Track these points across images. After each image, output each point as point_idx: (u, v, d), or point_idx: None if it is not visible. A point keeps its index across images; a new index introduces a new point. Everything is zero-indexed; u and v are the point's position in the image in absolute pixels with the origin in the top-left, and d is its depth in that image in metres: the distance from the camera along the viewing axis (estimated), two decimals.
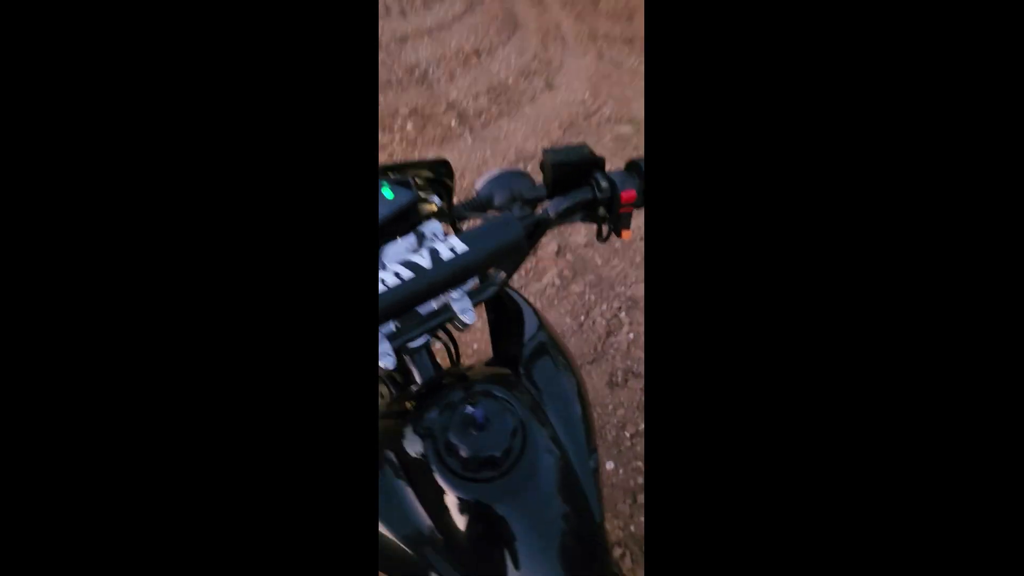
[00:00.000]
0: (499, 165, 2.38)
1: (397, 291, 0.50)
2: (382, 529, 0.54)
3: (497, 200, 0.68)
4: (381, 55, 2.90)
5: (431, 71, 2.98)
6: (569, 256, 2.14)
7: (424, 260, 0.51)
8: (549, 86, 3.04)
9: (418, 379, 0.66)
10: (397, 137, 2.48)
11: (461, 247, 0.52)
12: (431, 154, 2.71)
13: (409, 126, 2.51)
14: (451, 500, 0.52)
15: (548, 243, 2.17)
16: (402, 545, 0.53)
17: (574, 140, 2.63)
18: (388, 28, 3.12)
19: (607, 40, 3.68)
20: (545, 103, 2.89)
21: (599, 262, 2.11)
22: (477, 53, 3.22)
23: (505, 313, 0.70)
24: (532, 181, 0.69)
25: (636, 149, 2.71)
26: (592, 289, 2.04)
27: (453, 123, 2.61)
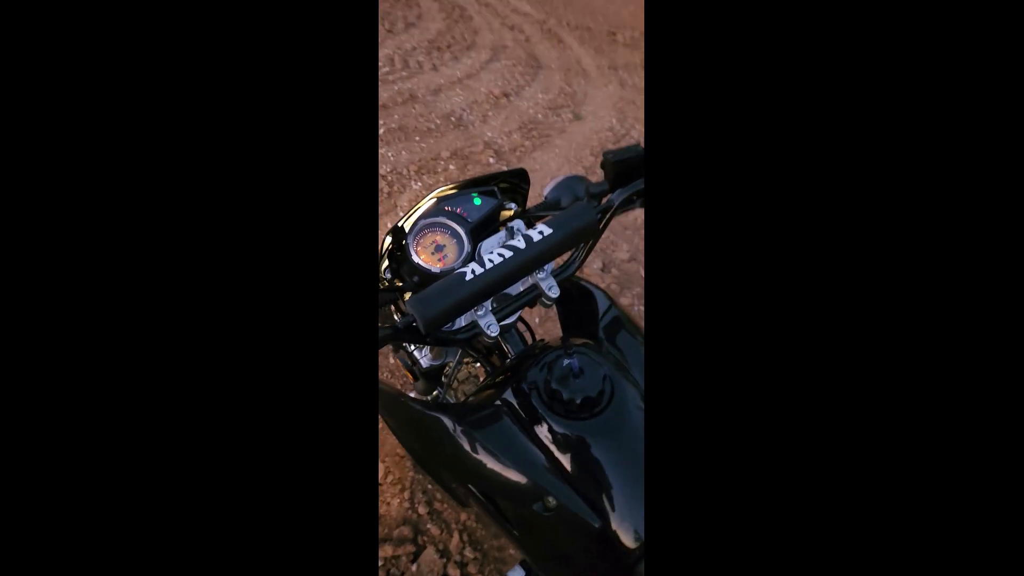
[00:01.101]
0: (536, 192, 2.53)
1: (500, 267, 0.62)
2: (501, 466, 0.66)
3: (564, 201, 0.80)
4: (418, 108, 3.13)
5: (465, 116, 3.19)
6: (615, 271, 2.24)
7: (520, 243, 0.63)
8: (577, 117, 3.21)
9: (511, 353, 0.78)
10: (442, 177, 2.67)
11: (548, 230, 0.65)
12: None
13: (452, 167, 2.70)
14: (557, 436, 0.64)
15: (592, 261, 2.29)
16: (521, 475, 0.64)
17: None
18: (423, 82, 3.37)
19: (627, 69, 3.86)
20: (575, 133, 3.05)
21: (643, 274, 2.21)
22: (506, 95, 3.43)
23: (576, 296, 0.82)
24: (589, 182, 0.81)
25: None
26: (639, 300, 2.13)
27: (491, 160, 2.78)
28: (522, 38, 4.35)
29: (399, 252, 0.78)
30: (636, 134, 3.04)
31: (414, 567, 1.30)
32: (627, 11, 4.83)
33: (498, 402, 0.68)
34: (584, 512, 0.62)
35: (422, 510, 1.41)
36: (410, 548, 1.33)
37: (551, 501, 0.62)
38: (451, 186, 0.82)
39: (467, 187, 0.81)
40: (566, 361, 0.64)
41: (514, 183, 0.84)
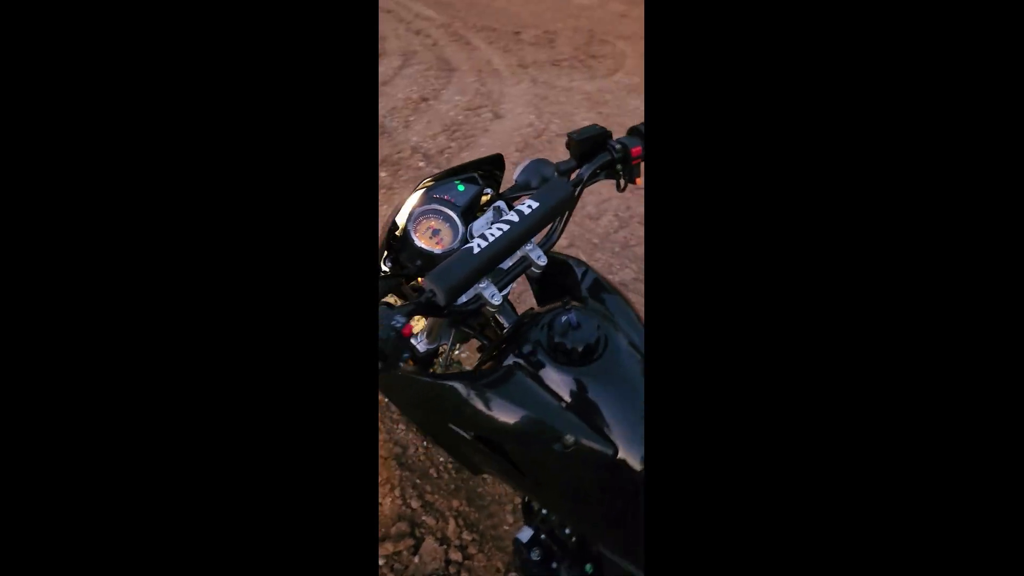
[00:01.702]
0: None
1: (502, 239, 0.70)
2: (518, 417, 0.73)
3: (533, 182, 0.89)
4: None
5: (387, 122, 3.20)
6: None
7: (514, 217, 0.71)
8: (497, 116, 3.31)
9: (505, 324, 0.86)
10: None
11: (535, 204, 0.73)
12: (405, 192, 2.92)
13: (384, 174, 2.71)
14: (564, 383, 0.72)
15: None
16: (538, 421, 0.72)
17: (536, 154, 2.89)
18: None
19: (536, 66, 4.00)
20: (497, 131, 3.15)
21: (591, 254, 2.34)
22: (424, 99, 3.47)
23: (554, 268, 0.91)
24: (552, 163, 0.91)
25: None
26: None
27: (421, 164, 2.82)
28: (429, 42, 4.40)
29: (396, 243, 0.83)
30: (556, 127, 3.18)
31: (416, 559, 1.34)
32: (527, 11, 5.00)
33: (508, 362, 0.76)
34: (598, 443, 0.71)
35: (415, 504, 1.44)
36: (409, 542, 1.37)
37: (569, 439, 0.70)
38: (434, 177, 0.88)
39: (449, 176, 0.88)
40: (564, 317, 0.73)
41: (489, 169, 0.92)
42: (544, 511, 1.01)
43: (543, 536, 1.00)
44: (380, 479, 1.49)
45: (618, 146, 0.87)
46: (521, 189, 0.91)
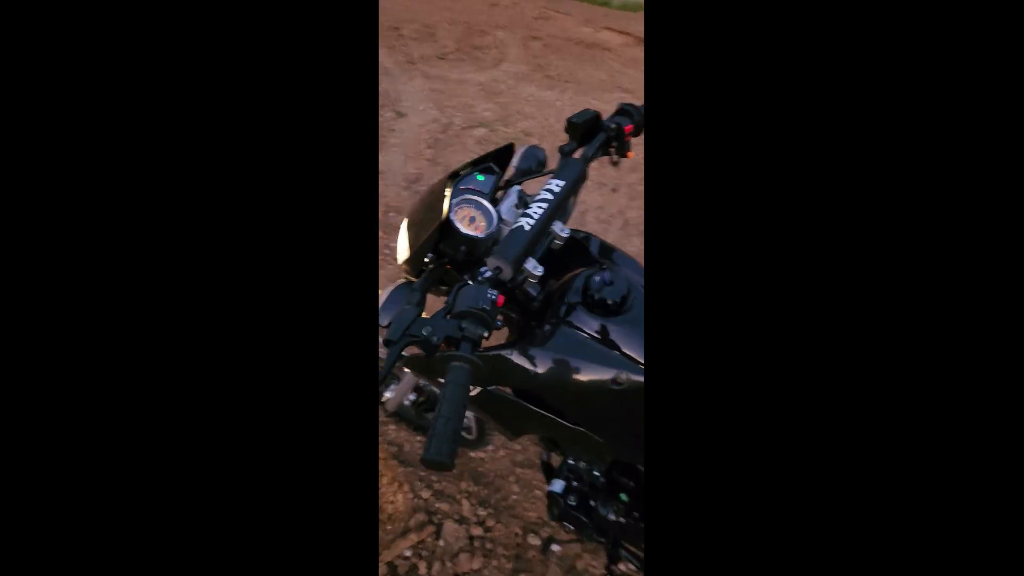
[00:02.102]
0: (390, 193, 2.62)
1: (545, 213, 0.82)
2: (572, 365, 0.86)
3: (532, 166, 1.01)
4: None
5: None
6: None
7: (547, 195, 0.84)
8: (399, 114, 3.31)
9: (535, 295, 0.98)
10: None
11: (560, 182, 0.85)
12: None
13: None
14: (606, 331, 0.87)
15: None
16: (593, 366, 0.86)
17: (444, 153, 2.97)
18: None
19: (424, 61, 4.03)
20: (404, 130, 3.17)
21: None
22: None
23: (567, 243, 1.04)
24: (541, 147, 1.03)
25: (495, 144, 3.11)
26: None
27: None
28: None
29: (440, 235, 0.89)
30: (459, 120, 3.26)
31: (440, 542, 1.42)
32: (399, 6, 4.96)
33: (551, 324, 0.88)
34: (643, 375, 0.86)
35: (425, 494, 1.51)
36: (431, 528, 1.44)
37: (622, 376, 0.84)
38: (455, 171, 0.96)
39: (469, 167, 0.97)
40: (598, 276, 0.87)
41: (500, 158, 1.02)
42: (570, 461, 1.14)
43: (574, 483, 1.13)
44: (386, 479, 1.54)
45: (613, 125, 1.01)
46: (524, 174, 1.02)
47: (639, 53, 4.61)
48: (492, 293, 0.70)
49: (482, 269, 0.77)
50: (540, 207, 0.83)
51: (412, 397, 1.44)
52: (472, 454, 1.62)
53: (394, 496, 1.51)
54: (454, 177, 0.94)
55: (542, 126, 3.36)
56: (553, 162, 1.00)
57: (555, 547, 1.43)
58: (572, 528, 1.14)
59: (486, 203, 0.92)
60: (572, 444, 1.08)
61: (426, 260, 0.91)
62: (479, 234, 0.89)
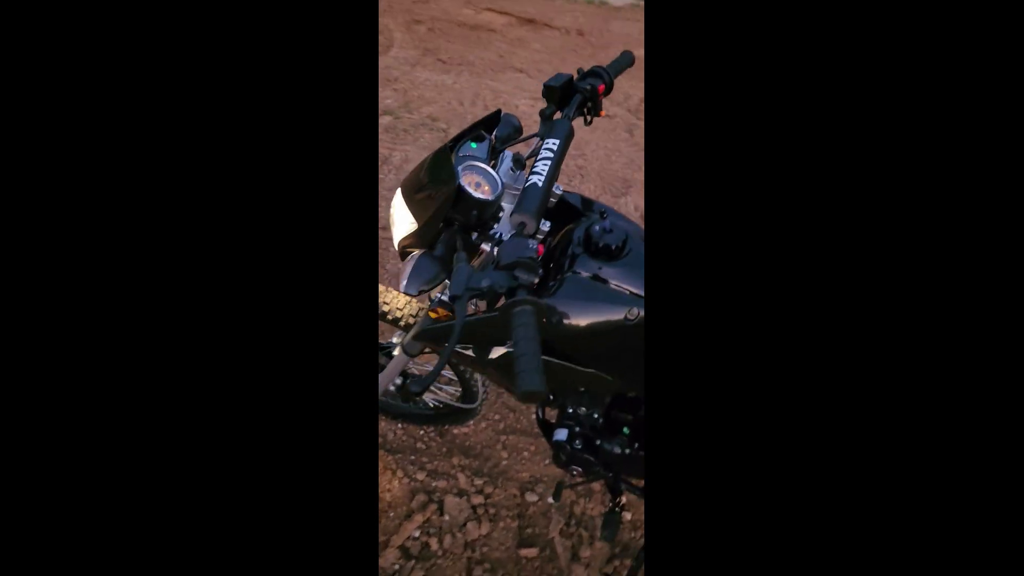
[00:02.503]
0: None
1: (551, 170, 0.89)
2: (586, 309, 0.94)
3: (510, 133, 1.07)
4: None
5: None
6: None
7: (549, 153, 0.91)
8: None
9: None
10: None
11: (555, 141, 0.93)
12: None
13: None
14: (613, 274, 0.96)
15: None
16: (607, 305, 0.94)
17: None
18: None
19: None
20: None
21: None
22: None
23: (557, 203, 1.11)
24: (514, 116, 1.09)
25: (405, 131, 3.08)
26: None
27: None
28: None
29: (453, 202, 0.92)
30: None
31: (445, 517, 1.46)
32: None
33: (560, 273, 0.96)
34: None
35: (421, 476, 1.54)
36: (432, 507, 1.47)
37: (634, 311, 0.94)
38: (451, 140, 0.99)
39: (462, 137, 1.00)
40: (598, 226, 0.96)
41: (488, 125, 1.06)
42: (569, 410, 1.23)
43: (577, 429, 1.22)
44: (379, 467, 1.54)
45: (588, 86, 1.09)
46: (506, 140, 1.07)
47: (524, 33, 4.73)
48: (533, 243, 0.76)
49: (496, 227, 0.82)
50: (545, 165, 0.90)
51: (398, 382, 1.45)
52: (456, 430, 1.66)
53: (390, 484, 1.53)
54: (452, 147, 0.97)
55: (446, 110, 3.37)
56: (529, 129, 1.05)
57: (551, 500, 1.53)
58: (578, 471, 1.23)
59: (488, 168, 0.96)
60: (582, 387, 1.16)
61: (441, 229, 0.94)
62: (488, 197, 0.94)
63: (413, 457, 1.58)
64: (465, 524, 1.45)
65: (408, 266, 0.93)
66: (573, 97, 1.08)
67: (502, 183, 0.97)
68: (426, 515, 1.46)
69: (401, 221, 1.00)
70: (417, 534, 1.42)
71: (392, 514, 1.45)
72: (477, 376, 1.39)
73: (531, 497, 1.53)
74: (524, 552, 1.43)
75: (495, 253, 0.76)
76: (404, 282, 0.91)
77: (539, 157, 0.92)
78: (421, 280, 0.89)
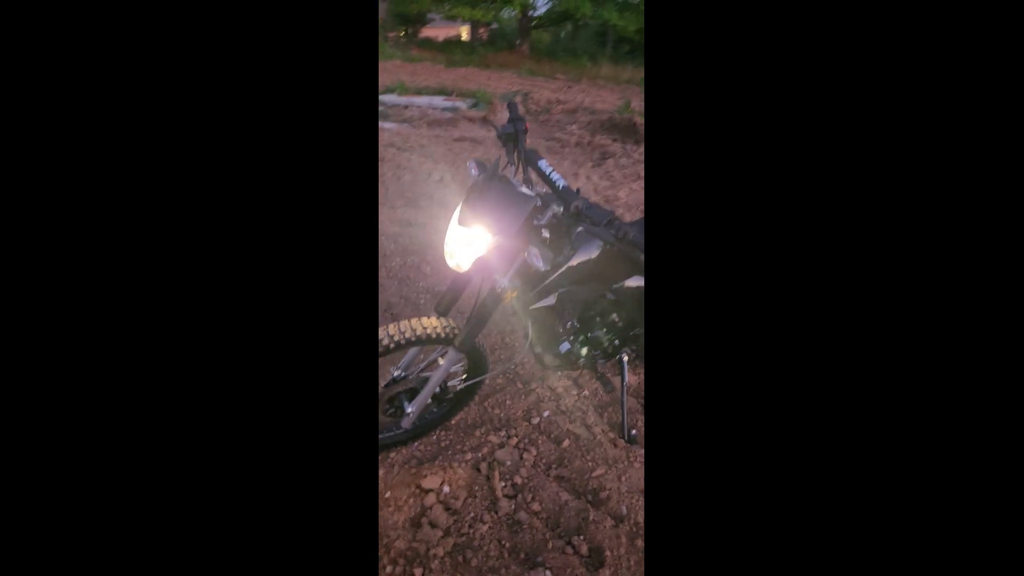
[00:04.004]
0: None
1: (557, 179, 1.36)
2: (604, 252, 1.46)
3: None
4: None
5: None
6: None
7: (549, 168, 1.36)
8: None
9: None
10: None
11: (543, 160, 1.39)
12: None
13: None
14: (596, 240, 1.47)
15: None
16: (622, 244, 1.46)
17: None
18: None
19: None
20: None
21: None
22: None
23: None
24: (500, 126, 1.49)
25: None
26: None
27: None
28: None
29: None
30: None
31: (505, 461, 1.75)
32: None
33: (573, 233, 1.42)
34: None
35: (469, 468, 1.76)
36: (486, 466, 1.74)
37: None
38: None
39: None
40: (583, 202, 1.46)
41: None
42: (560, 329, 1.69)
43: (571, 337, 1.70)
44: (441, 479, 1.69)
45: (522, 125, 1.46)
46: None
47: None
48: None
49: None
50: (555, 173, 1.33)
51: (436, 390, 1.61)
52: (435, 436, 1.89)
53: (454, 481, 1.71)
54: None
55: None
56: None
57: (546, 413, 1.96)
58: (580, 362, 1.71)
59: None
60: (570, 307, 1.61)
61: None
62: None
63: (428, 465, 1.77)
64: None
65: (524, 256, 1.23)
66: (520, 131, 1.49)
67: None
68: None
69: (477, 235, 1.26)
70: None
71: (469, 501, 1.66)
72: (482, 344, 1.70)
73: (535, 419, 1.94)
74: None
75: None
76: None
77: (548, 171, 1.33)
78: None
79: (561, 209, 1.20)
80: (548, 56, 14.78)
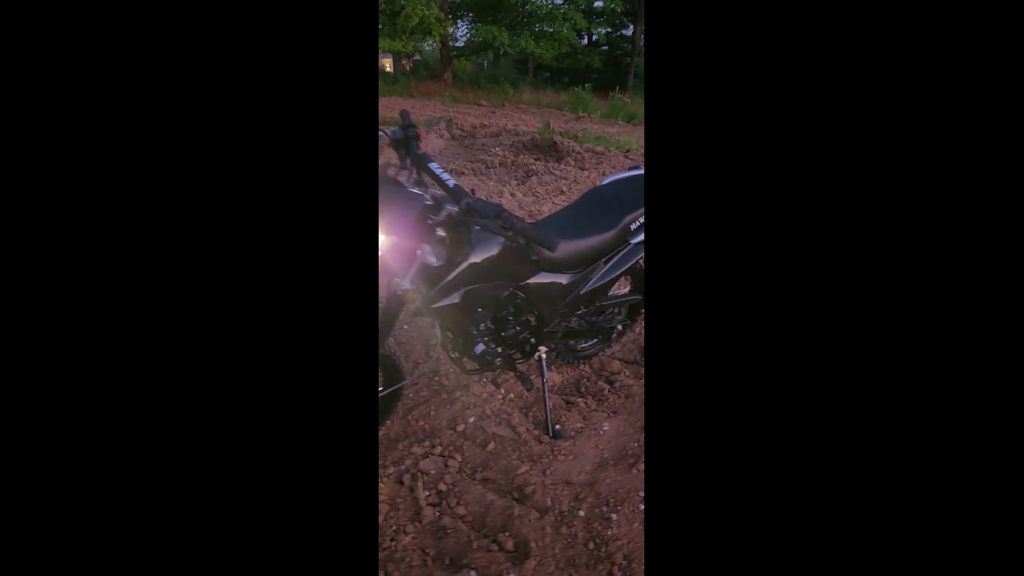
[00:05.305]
0: None
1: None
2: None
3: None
4: None
5: None
6: None
7: (440, 169, 1.39)
8: None
9: None
10: None
11: (435, 163, 1.42)
12: None
13: None
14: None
15: None
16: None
17: None
18: None
19: None
20: None
21: None
22: None
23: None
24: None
25: None
26: None
27: None
28: None
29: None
30: None
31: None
32: None
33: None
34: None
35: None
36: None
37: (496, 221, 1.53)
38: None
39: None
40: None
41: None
42: (474, 331, 1.70)
43: (486, 338, 1.71)
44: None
45: (413, 131, 1.48)
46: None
47: None
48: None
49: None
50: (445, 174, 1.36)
51: None
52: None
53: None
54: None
55: None
56: None
57: (471, 419, 1.96)
58: (499, 361, 1.73)
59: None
60: (481, 306, 1.63)
61: None
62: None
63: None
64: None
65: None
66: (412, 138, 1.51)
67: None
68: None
69: None
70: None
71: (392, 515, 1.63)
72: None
73: (461, 426, 1.93)
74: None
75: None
76: None
77: (439, 172, 1.36)
78: None
79: (456, 208, 1.23)
80: (471, 84, 15.06)
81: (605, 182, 1.97)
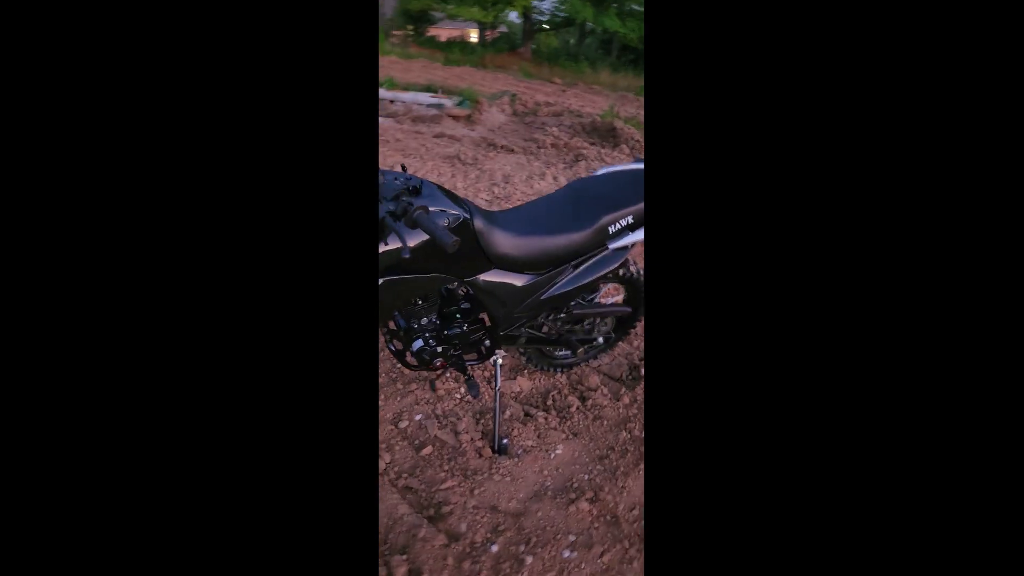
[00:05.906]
0: None
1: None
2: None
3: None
4: None
5: None
6: None
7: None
8: None
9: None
10: None
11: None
12: None
13: None
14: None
15: None
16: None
17: None
18: None
19: None
20: None
21: None
22: None
23: None
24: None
25: None
26: None
27: None
28: None
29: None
30: None
31: None
32: None
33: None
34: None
35: None
36: None
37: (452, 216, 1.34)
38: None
39: None
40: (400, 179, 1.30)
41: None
42: (415, 325, 1.52)
43: (426, 334, 1.52)
44: None
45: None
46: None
47: None
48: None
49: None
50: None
51: None
52: None
53: None
54: None
55: None
56: None
57: (418, 416, 1.80)
58: (440, 361, 1.55)
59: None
60: (420, 298, 1.45)
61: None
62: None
63: None
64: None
65: None
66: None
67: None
68: None
69: None
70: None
71: None
72: None
73: (403, 425, 1.78)
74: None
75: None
76: None
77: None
78: None
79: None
80: (549, 60, 14.63)
81: (597, 173, 1.72)
